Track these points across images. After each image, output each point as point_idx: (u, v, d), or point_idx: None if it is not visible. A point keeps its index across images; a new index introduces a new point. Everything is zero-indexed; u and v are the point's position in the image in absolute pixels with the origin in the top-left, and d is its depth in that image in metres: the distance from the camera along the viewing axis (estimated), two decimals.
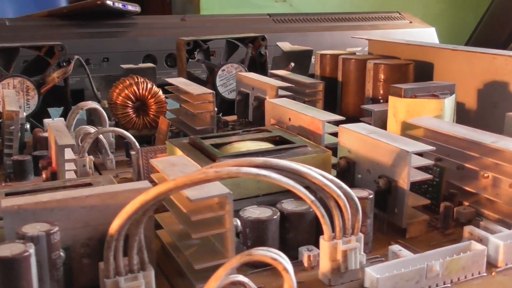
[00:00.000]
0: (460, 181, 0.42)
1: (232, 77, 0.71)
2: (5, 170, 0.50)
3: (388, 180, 0.39)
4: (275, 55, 0.77)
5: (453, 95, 0.50)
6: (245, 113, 0.65)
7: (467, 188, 0.41)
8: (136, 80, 0.59)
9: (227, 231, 0.31)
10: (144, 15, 1.13)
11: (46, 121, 0.59)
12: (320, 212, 0.31)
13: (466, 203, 0.41)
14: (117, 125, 0.60)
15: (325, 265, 0.33)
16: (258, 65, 0.75)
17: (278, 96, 0.60)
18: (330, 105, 0.67)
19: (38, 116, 0.64)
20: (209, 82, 0.72)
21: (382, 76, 0.60)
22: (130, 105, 0.58)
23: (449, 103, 0.49)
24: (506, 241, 0.34)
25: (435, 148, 0.39)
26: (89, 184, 0.37)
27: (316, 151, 0.42)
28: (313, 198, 0.31)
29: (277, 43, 0.78)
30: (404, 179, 0.38)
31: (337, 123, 0.46)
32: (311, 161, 0.41)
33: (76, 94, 0.68)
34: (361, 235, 0.33)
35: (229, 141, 0.43)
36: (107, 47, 0.90)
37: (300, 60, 0.78)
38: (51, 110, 0.67)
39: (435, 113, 0.48)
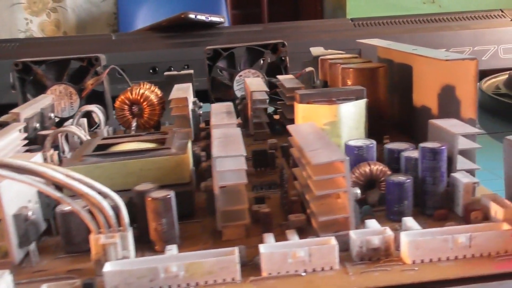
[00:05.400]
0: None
1: None
2: None
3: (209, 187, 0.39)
4: (306, 60, 0.76)
5: (360, 101, 0.46)
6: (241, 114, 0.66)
7: (306, 197, 0.39)
8: (135, 86, 0.64)
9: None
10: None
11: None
12: (75, 209, 0.33)
13: (308, 212, 0.39)
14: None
15: (92, 257, 0.34)
16: (281, 70, 0.74)
17: (255, 99, 0.60)
18: None
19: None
20: (232, 87, 0.74)
21: (349, 82, 0.56)
22: (126, 108, 0.64)
23: (349, 108, 0.45)
24: (267, 250, 0.33)
25: (245, 154, 0.37)
26: None
27: (173, 153, 0.43)
28: (59, 194, 0.33)
29: (310, 48, 0.77)
30: (215, 185, 0.37)
31: None
32: (164, 162, 0.42)
33: None
34: (128, 231, 0.34)
35: (119, 142, 0.46)
36: (188, 56, 0.97)
37: None
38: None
39: (329, 119, 0.45)
